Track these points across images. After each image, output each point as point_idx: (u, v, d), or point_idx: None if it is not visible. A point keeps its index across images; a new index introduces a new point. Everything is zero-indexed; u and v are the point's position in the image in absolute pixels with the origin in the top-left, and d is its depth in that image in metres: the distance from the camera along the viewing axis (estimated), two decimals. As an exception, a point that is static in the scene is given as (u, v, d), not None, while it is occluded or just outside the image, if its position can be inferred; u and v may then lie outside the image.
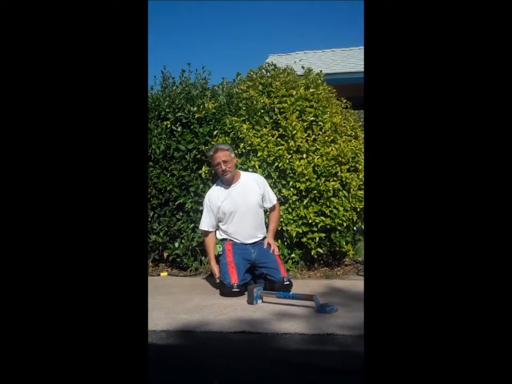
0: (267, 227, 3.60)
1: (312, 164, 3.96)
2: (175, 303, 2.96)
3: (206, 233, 3.52)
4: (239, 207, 3.39)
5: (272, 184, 3.81)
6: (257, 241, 3.46)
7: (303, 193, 3.96)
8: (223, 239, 3.47)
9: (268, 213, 3.67)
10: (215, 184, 3.59)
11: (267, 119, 4.16)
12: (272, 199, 3.56)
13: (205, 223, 3.50)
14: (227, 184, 3.46)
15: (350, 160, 4.18)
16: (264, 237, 3.51)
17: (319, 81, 4.60)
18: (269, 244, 3.43)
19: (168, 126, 4.24)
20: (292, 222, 3.90)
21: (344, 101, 4.84)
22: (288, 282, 3.25)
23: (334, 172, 3.99)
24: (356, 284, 3.52)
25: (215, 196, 3.46)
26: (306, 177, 3.89)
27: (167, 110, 4.28)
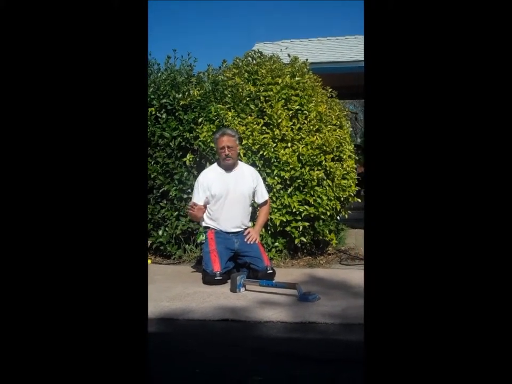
0: (253, 221, 3.63)
1: (297, 153, 3.96)
2: (158, 291, 2.95)
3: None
4: (229, 193, 3.40)
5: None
6: (240, 231, 3.47)
7: (288, 182, 3.97)
8: (206, 227, 3.46)
9: (258, 207, 3.68)
10: (212, 166, 3.60)
11: (252, 107, 4.15)
12: (264, 195, 3.59)
13: (196, 198, 3.45)
14: (225, 169, 3.47)
15: (335, 149, 4.18)
16: (247, 228, 3.52)
17: (305, 69, 4.59)
18: (249, 232, 3.44)
19: (153, 112, 4.20)
20: (275, 210, 3.91)
21: (330, 90, 4.83)
22: (271, 271, 3.27)
23: (318, 161, 3.99)
24: (339, 272, 3.55)
25: (209, 175, 3.47)
26: (291, 166, 3.89)
27: (152, 96, 4.23)
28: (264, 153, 3.94)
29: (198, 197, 3.44)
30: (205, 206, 3.44)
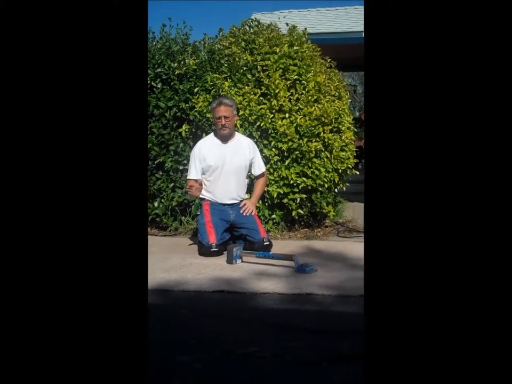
0: (250, 193, 3.59)
1: (295, 124, 3.89)
2: (153, 263, 2.90)
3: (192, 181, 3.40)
4: (225, 164, 3.35)
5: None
6: (236, 203, 3.42)
7: (285, 154, 3.91)
8: (202, 199, 3.42)
9: (254, 180, 3.62)
10: (208, 136, 3.54)
11: (249, 77, 4.06)
12: (261, 166, 3.54)
13: (193, 173, 3.39)
14: (222, 139, 3.41)
15: (333, 120, 4.11)
16: (243, 200, 3.47)
17: (304, 39, 4.48)
18: (245, 204, 3.39)
19: (148, 82, 4.11)
20: (273, 182, 3.86)
21: (329, 60, 4.73)
22: (268, 243, 3.24)
23: (316, 132, 3.93)
24: (336, 245, 3.53)
25: (205, 145, 3.41)
26: (289, 138, 3.83)
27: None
28: (261, 124, 3.86)
29: (194, 172, 3.38)
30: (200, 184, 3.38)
